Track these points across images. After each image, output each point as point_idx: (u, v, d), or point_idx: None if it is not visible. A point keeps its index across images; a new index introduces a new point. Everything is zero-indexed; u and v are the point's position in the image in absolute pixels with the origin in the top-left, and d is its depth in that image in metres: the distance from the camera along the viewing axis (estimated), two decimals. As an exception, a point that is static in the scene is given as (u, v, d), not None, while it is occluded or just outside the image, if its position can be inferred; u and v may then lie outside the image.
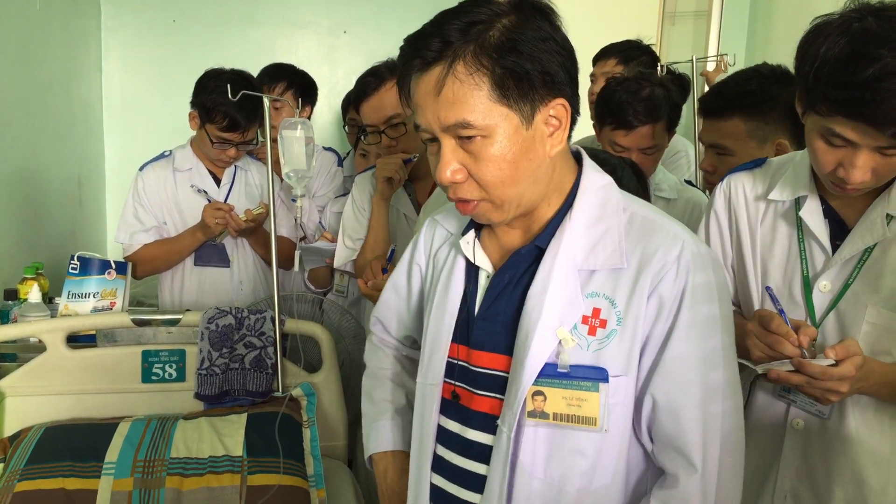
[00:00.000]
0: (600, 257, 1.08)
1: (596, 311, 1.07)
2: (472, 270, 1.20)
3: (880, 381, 1.28)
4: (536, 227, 1.14)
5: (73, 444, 1.91)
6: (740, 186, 1.49)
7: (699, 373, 1.06)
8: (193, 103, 2.44)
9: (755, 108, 1.75)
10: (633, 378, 1.07)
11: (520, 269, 1.13)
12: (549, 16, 1.05)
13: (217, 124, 2.38)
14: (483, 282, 1.18)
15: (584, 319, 1.07)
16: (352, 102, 2.26)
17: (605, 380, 1.05)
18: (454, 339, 1.19)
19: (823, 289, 1.36)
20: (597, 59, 2.89)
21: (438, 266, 1.26)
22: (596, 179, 1.14)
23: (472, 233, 1.19)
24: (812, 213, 1.37)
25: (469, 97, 1.00)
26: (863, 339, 1.31)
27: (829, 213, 1.37)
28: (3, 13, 2.76)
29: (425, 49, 1.02)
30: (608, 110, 2.06)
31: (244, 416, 2.05)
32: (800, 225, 1.39)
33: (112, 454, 1.89)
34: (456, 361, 1.19)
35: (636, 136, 2.04)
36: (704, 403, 1.06)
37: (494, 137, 1.02)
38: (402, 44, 1.07)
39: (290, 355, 2.24)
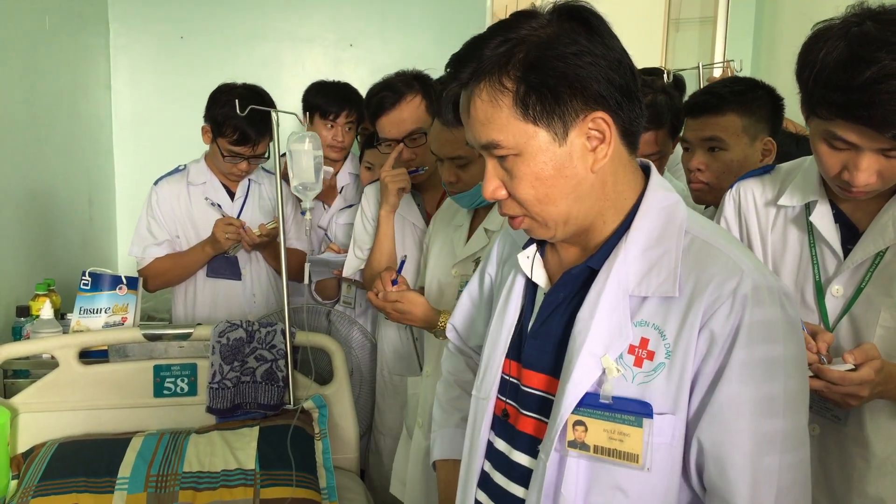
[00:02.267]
0: (653, 283, 1.01)
1: (644, 342, 1.00)
2: (531, 286, 1.16)
3: None
4: (593, 245, 1.08)
5: (86, 460, 1.92)
6: (750, 193, 1.48)
7: (751, 420, 0.96)
8: (206, 117, 2.46)
9: (746, 105, 1.81)
10: (681, 417, 0.99)
11: (573, 288, 1.09)
12: (591, 24, 1.00)
13: (228, 138, 2.39)
14: (539, 298, 1.14)
15: (631, 349, 1.00)
16: (367, 116, 2.26)
17: (650, 415, 0.98)
18: (508, 355, 1.16)
19: (836, 293, 1.35)
20: None
21: (504, 278, 1.23)
22: (660, 198, 1.06)
23: (532, 247, 1.15)
24: (823, 218, 1.36)
25: (495, 117, 0.99)
26: (877, 343, 1.29)
27: (839, 218, 1.36)
28: (13, 32, 2.79)
29: (462, 71, 1.02)
30: None
31: (256, 429, 2.05)
32: (811, 230, 1.39)
33: (125, 469, 1.90)
34: (508, 378, 1.16)
35: (639, 142, 2.04)
36: (756, 454, 0.96)
37: (526, 156, 1.00)
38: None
39: (301, 368, 2.25)
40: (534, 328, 1.12)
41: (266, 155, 2.48)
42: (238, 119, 2.28)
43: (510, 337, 1.15)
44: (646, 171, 1.10)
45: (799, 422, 1.00)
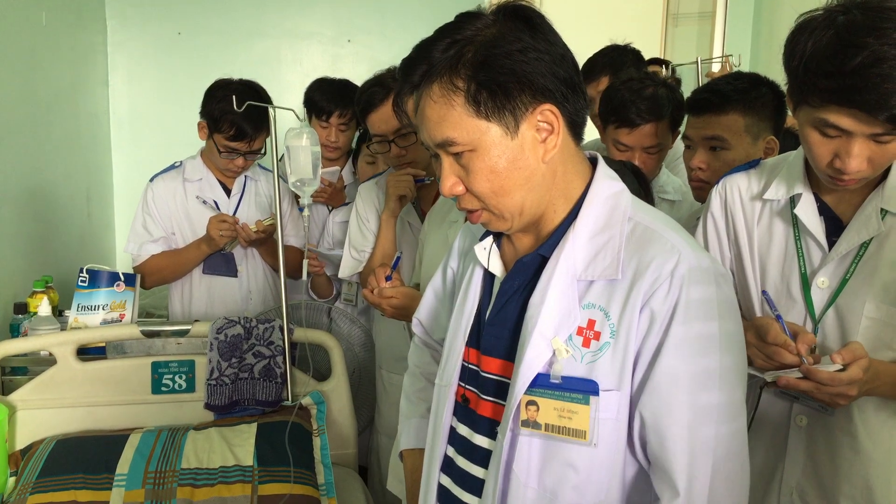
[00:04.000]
0: (599, 268, 1.06)
1: (591, 323, 1.06)
2: (489, 276, 1.21)
3: (888, 382, 1.29)
4: (544, 233, 1.14)
5: (84, 457, 1.92)
6: (736, 188, 1.50)
7: (688, 393, 1.02)
8: (202, 113, 2.45)
9: (750, 104, 1.79)
10: (626, 393, 1.05)
11: (526, 276, 1.14)
12: (532, 21, 1.05)
13: (224, 133, 2.39)
14: (496, 287, 1.19)
15: (580, 331, 1.06)
16: (357, 113, 2.26)
17: (596, 393, 1.04)
18: (468, 343, 1.20)
19: (821, 285, 1.36)
20: (587, 79, 2.73)
21: (464, 270, 1.28)
22: (606, 187, 1.12)
23: (489, 239, 1.20)
24: (807, 210, 1.38)
25: (448, 115, 1.04)
26: (862, 334, 1.32)
27: (824, 210, 1.38)
28: (10, 29, 2.79)
29: (412, 74, 1.06)
30: (611, 109, 2.06)
31: (254, 425, 2.05)
32: (795, 223, 1.40)
33: (123, 466, 1.90)
34: (468, 365, 1.20)
35: (639, 134, 2.04)
36: (693, 426, 1.01)
37: (480, 151, 1.04)
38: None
39: (299, 364, 2.25)
40: (491, 316, 1.17)
41: (262, 151, 2.48)
42: (234, 115, 2.27)
43: (469, 325, 1.20)
44: (593, 163, 1.16)
45: (735, 394, 1.05)
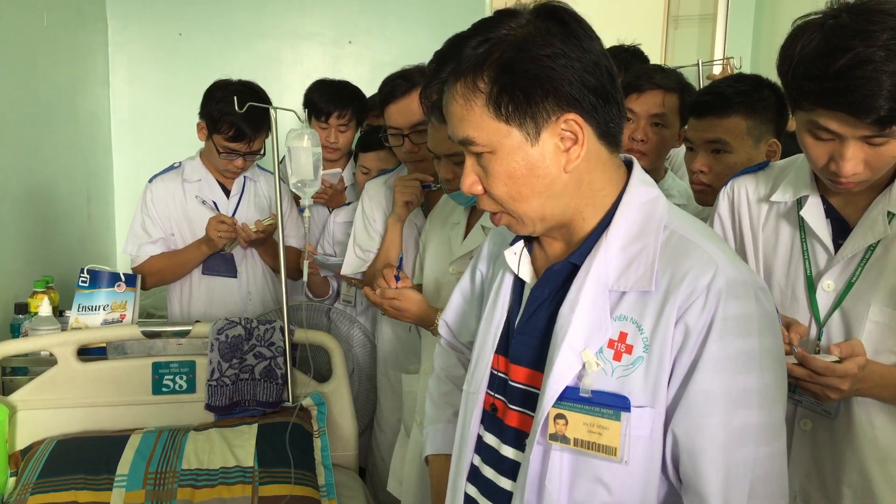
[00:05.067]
0: (632, 278, 1.02)
1: (622, 336, 1.01)
2: (519, 282, 1.18)
3: (880, 384, 1.28)
4: (576, 240, 1.09)
5: (84, 457, 1.92)
6: (743, 190, 1.49)
7: (725, 413, 0.97)
8: (201, 114, 2.45)
9: (752, 107, 1.78)
10: (660, 411, 1.00)
11: (556, 284, 1.10)
12: (568, 26, 1.01)
13: (223, 134, 2.39)
14: (526, 294, 1.15)
15: (611, 343, 1.02)
16: (378, 103, 2.25)
17: (627, 409, 0.99)
18: (498, 351, 1.17)
19: (827, 288, 1.35)
20: None
21: (494, 274, 1.25)
22: (641, 194, 1.07)
23: (520, 243, 1.16)
24: (813, 213, 1.37)
25: (469, 115, 1.02)
26: (867, 338, 1.31)
27: (830, 213, 1.37)
28: (11, 29, 2.79)
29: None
30: (623, 81, 2.12)
31: (255, 426, 2.05)
32: (802, 225, 1.40)
33: (123, 466, 1.90)
34: (497, 373, 1.17)
35: (647, 99, 2.07)
36: (729, 447, 0.97)
37: (499, 154, 1.02)
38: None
39: (299, 365, 2.24)
40: (520, 324, 1.13)
41: (262, 152, 2.48)
42: (234, 115, 2.27)
43: (499, 332, 1.17)
44: (629, 167, 1.11)
45: (774, 414, 1.01)
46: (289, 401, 2.17)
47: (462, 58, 1.02)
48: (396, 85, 2.11)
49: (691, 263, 0.99)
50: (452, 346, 1.50)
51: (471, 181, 1.07)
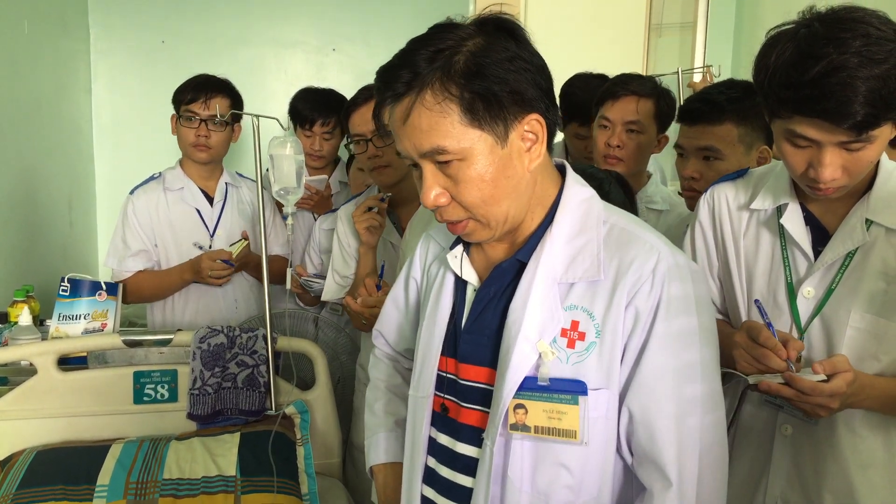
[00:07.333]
0: (579, 270, 1.09)
1: (574, 324, 1.08)
2: (460, 284, 1.21)
3: (871, 396, 1.29)
4: (520, 240, 1.15)
5: (65, 467, 1.90)
6: (723, 197, 1.50)
7: (674, 386, 1.06)
8: (173, 101, 2.51)
9: (743, 114, 1.78)
10: (614, 391, 1.07)
11: (504, 282, 1.15)
12: (515, 33, 1.06)
13: (182, 99, 2.45)
14: (470, 295, 1.19)
15: (564, 332, 1.08)
16: (342, 113, 2.27)
17: (584, 392, 1.06)
18: (444, 353, 1.20)
19: (807, 295, 1.37)
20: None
21: (431, 280, 1.28)
22: (578, 192, 1.15)
23: (459, 247, 1.21)
24: (793, 220, 1.39)
25: (441, 124, 1.03)
26: (847, 344, 1.32)
27: (810, 220, 1.39)
28: (-9, 37, 2.77)
29: (395, 82, 1.05)
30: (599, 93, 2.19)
31: (237, 435, 2.04)
32: (782, 233, 1.41)
33: (104, 477, 1.88)
34: (445, 374, 1.20)
35: (621, 106, 2.11)
36: (680, 417, 1.06)
37: (471, 160, 1.04)
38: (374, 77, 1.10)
39: (282, 373, 2.24)
40: (468, 324, 1.17)
41: (223, 118, 2.45)
42: (190, 81, 2.42)
43: (444, 334, 1.20)
44: (561, 171, 1.18)
45: (714, 386, 1.10)
46: (272, 409, 2.16)
47: (418, 69, 1.03)
48: (358, 94, 2.15)
49: (636, 252, 1.07)
50: (388, 355, 1.51)
51: (436, 193, 1.08)
